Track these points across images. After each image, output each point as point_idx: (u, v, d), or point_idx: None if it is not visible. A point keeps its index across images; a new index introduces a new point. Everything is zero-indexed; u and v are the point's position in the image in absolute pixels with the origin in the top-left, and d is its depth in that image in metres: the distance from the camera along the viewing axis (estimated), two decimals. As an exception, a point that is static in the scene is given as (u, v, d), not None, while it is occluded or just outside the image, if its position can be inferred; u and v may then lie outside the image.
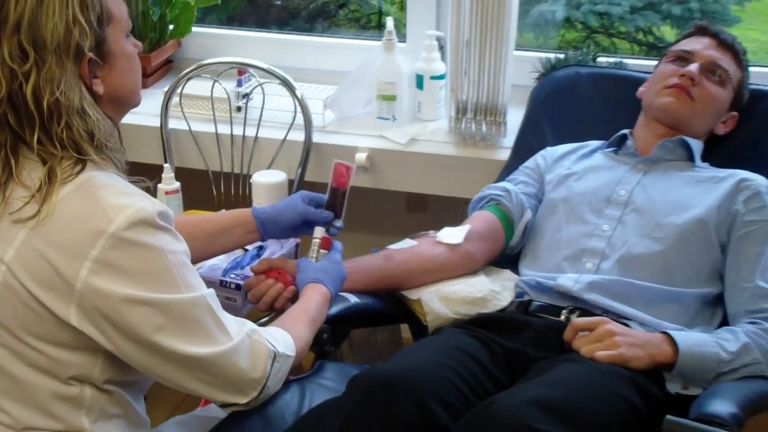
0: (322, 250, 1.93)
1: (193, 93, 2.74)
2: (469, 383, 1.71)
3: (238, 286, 2.11)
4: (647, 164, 2.14)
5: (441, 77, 2.64)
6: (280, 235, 1.99)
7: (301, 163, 2.62)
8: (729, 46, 2.17)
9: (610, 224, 2.05)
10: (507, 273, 2.13)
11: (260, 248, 2.24)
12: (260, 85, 2.71)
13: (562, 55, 2.68)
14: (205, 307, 1.47)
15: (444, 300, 2.00)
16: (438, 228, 2.12)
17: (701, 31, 2.21)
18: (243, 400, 1.55)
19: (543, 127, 2.41)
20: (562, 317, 1.93)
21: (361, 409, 1.56)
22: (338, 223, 1.97)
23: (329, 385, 1.78)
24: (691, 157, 2.13)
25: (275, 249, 2.28)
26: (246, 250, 2.22)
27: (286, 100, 2.65)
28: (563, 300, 1.97)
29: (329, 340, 1.85)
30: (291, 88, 2.62)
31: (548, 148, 2.30)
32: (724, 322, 1.96)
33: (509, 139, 2.51)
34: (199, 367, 1.47)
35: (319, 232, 1.94)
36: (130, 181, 1.51)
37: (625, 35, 3.36)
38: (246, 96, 2.74)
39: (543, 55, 2.71)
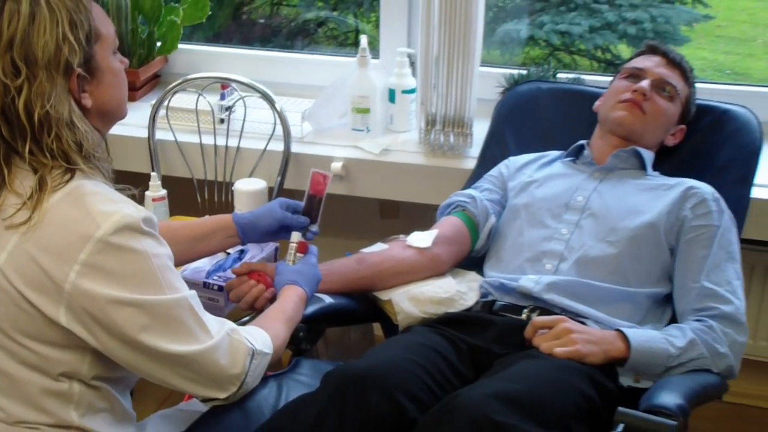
0: (298, 254, 1.92)
1: (179, 106, 2.74)
2: (436, 378, 1.72)
3: (220, 288, 2.11)
4: (603, 172, 2.16)
5: (412, 91, 2.65)
6: (259, 240, 1.98)
7: (281, 171, 2.62)
8: (677, 65, 2.19)
9: (569, 228, 2.06)
10: (472, 274, 2.13)
11: (241, 252, 2.24)
12: (242, 98, 2.71)
13: (524, 71, 2.69)
14: (187, 308, 1.46)
15: (413, 300, 2.00)
16: (409, 233, 2.12)
17: (652, 50, 2.23)
18: (223, 395, 1.55)
19: (506, 138, 2.41)
20: (524, 316, 1.93)
21: (334, 403, 1.56)
22: (314, 228, 1.97)
23: (305, 380, 1.78)
24: (643, 166, 2.15)
25: (256, 252, 2.27)
26: (228, 254, 2.22)
27: (267, 112, 2.65)
28: (525, 300, 1.97)
29: (305, 338, 1.85)
30: (271, 102, 2.62)
31: (511, 158, 2.31)
32: (673, 320, 1.97)
33: (475, 150, 2.51)
34: (182, 364, 1.47)
35: (295, 236, 1.93)
36: (116, 189, 1.50)
37: (585, 53, 3.37)
38: (229, 109, 2.74)
39: (507, 71, 2.72)
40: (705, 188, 2.03)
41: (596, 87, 2.43)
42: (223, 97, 2.75)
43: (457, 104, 2.51)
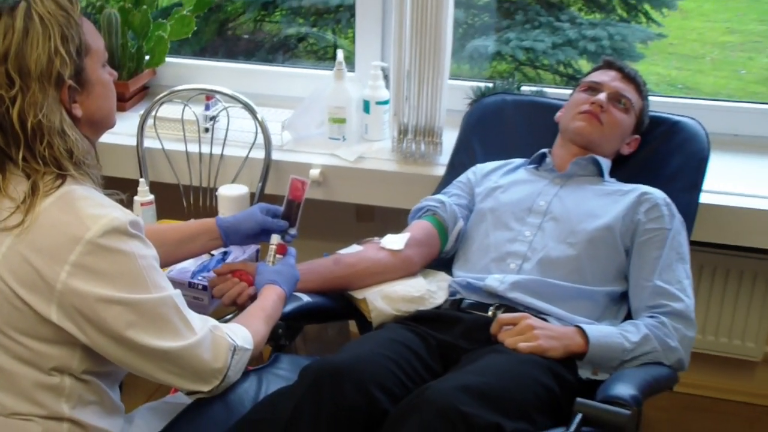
0: (278, 255, 1.92)
1: (166, 116, 2.72)
2: (407, 372, 1.72)
3: (204, 287, 2.11)
4: (563, 179, 2.17)
5: (385, 102, 2.65)
6: (241, 242, 1.98)
7: (262, 178, 2.61)
8: (632, 79, 2.21)
9: (531, 230, 2.06)
10: (442, 275, 2.13)
11: (225, 253, 2.24)
12: (225, 109, 2.70)
13: (491, 84, 2.69)
14: (171, 306, 1.46)
15: (386, 299, 2.00)
16: (383, 235, 2.12)
17: (609, 66, 2.25)
18: (206, 388, 1.54)
19: (474, 146, 2.41)
20: (489, 313, 1.94)
21: (311, 395, 1.56)
22: (293, 231, 1.97)
23: (284, 374, 1.77)
24: (600, 173, 2.16)
25: (238, 254, 2.27)
26: (212, 255, 2.22)
27: (249, 122, 2.64)
28: (490, 298, 1.97)
29: (284, 334, 1.85)
30: (253, 112, 2.61)
31: (478, 165, 2.31)
32: (629, 316, 1.98)
33: (444, 157, 2.51)
34: (167, 359, 1.46)
35: (275, 239, 1.93)
36: (105, 194, 1.50)
37: (548, 67, 3.38)
38: (213, 119, 2.73)
39: (474, 84, 2.73)
40: (657, 194, 2.04)
41: (557, 99, 2.44)
42: (207, 108, 2.74)
43: (427, 115, 2.51)
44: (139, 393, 2.56)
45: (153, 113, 2.69)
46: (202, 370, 1.52)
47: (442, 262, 2.19)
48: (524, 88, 2.67)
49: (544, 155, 2.24)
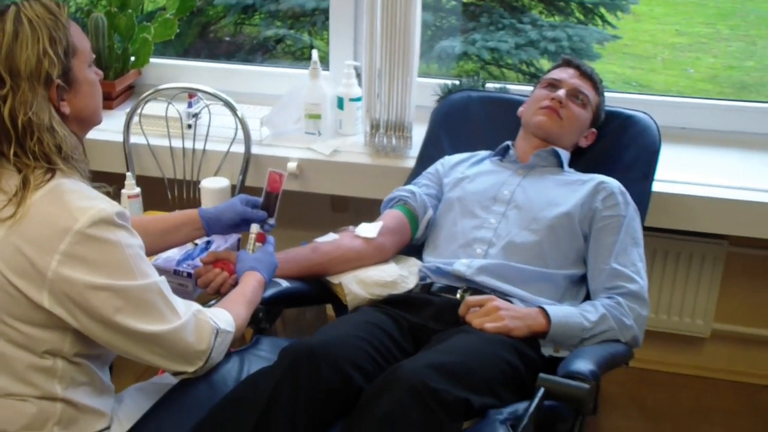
0: (257, 244, 1.92)
1: (150, 113, 2.70)
2: (380, 352, 1.72)
3: (189, 275, 2.09)
4: (526, 169, 2.17)
5: (358, 99, 2.64)
6: (222, 232, 1.96)
7: (242, 171, 2.60)
8: (588, 76, 2.21)
9: (496, 218, 2.07)
10: (413, 260, 2.13)
11: (208, 243, 2.22)
12: (207, 106, 2.68)
13: (457, 82, 2.70)
14: (157, 292, 1.46)
15: (361, 284, 2.00)
16: (357, 224, 2.11)
17: (567, 64, 2.25)
18: (191, 369, 1.54)
19: (442, 140, 2.41)
20: (458, 296, 1.94)
21: (289, 374, 1.55)
22: (271, 221, 1.96)
23: (265, 355, 1.76)
24: (560, 164, 2.17)
25: (220, 243, 2.26)
26: (196, 244, 2.21)
27: (229, 118, 2.62)
28: (459, 281, 1.98)
29: (264, 318, 1.84)
30: (233, 109, 2.59)
31: (446, 157, 2.31)
32: (587, 297, 1.99)
33: (414, 150, 2.51)
34: (153, 342, 1.46)
35: (255, 228, 1.93)
36: (93, 187, 1.49)
37: (512, 66, 3.39)
38: (195, 116, 2.71)
39: (442, 81, 2.72)
40: (613, 183, 2.05)
41: (520, 95, 2.44)
42: (190, 105, 2.72)
43: (397, 111, 2.51)
44: (128, 374, 2.55)
45: (138, 111, 2.67)
46: (186, 352, 1.52)
47: (413, 249, 2.19)
48: (488, 85, 2.67)
49: (507, 147, 2.24)
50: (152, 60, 2.97)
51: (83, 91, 1.50)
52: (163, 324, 1.45)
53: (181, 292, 2.08)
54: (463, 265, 1.98)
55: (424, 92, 2.66)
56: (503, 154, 2.25)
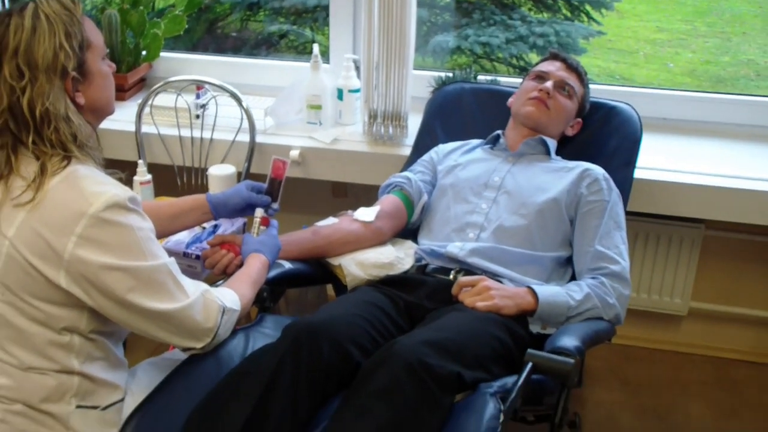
0: (262, 227, 1.91)
1: (161, 104, 2.69)
2: (377, 329, 1.72)
3: (198, 257, 2.10)
4: (515, 157, 2.17)
5: (357, 91, 2.63)
6: (229, 216, 1.96)
7: (247, 158, 2.59)
8: (574, 69, 2.21)
9: (487, 203, 2.06)
10: (408, 243, 2.13)
11: (215, 226, 2.23)
12: (214, 97, 2.68)
13: (451, 74, 2.69)
14: (166, 272, 1.46)
15: (359, 265, 2.00)
16: (356, 209, 2.11)
17: (554, 57, 2.25)
18: (199, 345, 1.54)
19: (436, 129, 2.41)
20: (451, 276, 1.94)
21: (292, 351, 1.55)
22: (275, 206, 1.96)
23: (269, 333, 1.76)
24: (548, 152, 2.16)
25: (227, 227, 2.26)
26: (203, 228, 2.21)
27: (235, 109, 2.62)
28: (452, 263, 1.98)
29: (269, 297, 1.84)
30: (239, 100, 2.59)
31: (440, 145, 2.31)
32: (573, 278, 1.99)
33: (410, 139, 2.50)
34: (163, 319, 1.46)
35: (259, 212, 1.92)
36: (106, 173, 1.49)
37: (503, 60, 3.39)
38: (203, 106, 2.70)
39: (436, 73, 2.71)
40: (597, 170, 2.05)
41: (510, 87, 2.43)
42: (198, 97, 2.71)
43: (394, 101, 2.50)
44: (141, 350, 2.54)
45: (149, 102, 2.66)
46: (195, 329, 1.52)
47: (409, 232, 2.19)
48: (480, 78, 2.66)
49: (498, 136, 2.24)
50: (162, 54, 2.95)
51: (97, 83, 1.50)
52: (172, 303, 1.46)
53: (190, 273, 2.08)
54: (456, 248, 1.98)
55: (419, 84, 2.65)
56: (494, 142, 2.24)
